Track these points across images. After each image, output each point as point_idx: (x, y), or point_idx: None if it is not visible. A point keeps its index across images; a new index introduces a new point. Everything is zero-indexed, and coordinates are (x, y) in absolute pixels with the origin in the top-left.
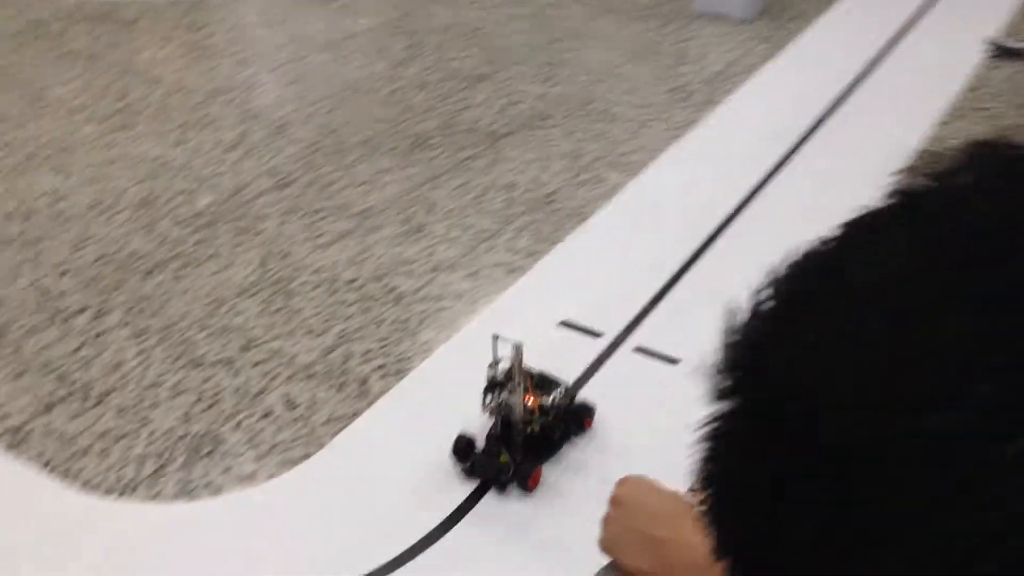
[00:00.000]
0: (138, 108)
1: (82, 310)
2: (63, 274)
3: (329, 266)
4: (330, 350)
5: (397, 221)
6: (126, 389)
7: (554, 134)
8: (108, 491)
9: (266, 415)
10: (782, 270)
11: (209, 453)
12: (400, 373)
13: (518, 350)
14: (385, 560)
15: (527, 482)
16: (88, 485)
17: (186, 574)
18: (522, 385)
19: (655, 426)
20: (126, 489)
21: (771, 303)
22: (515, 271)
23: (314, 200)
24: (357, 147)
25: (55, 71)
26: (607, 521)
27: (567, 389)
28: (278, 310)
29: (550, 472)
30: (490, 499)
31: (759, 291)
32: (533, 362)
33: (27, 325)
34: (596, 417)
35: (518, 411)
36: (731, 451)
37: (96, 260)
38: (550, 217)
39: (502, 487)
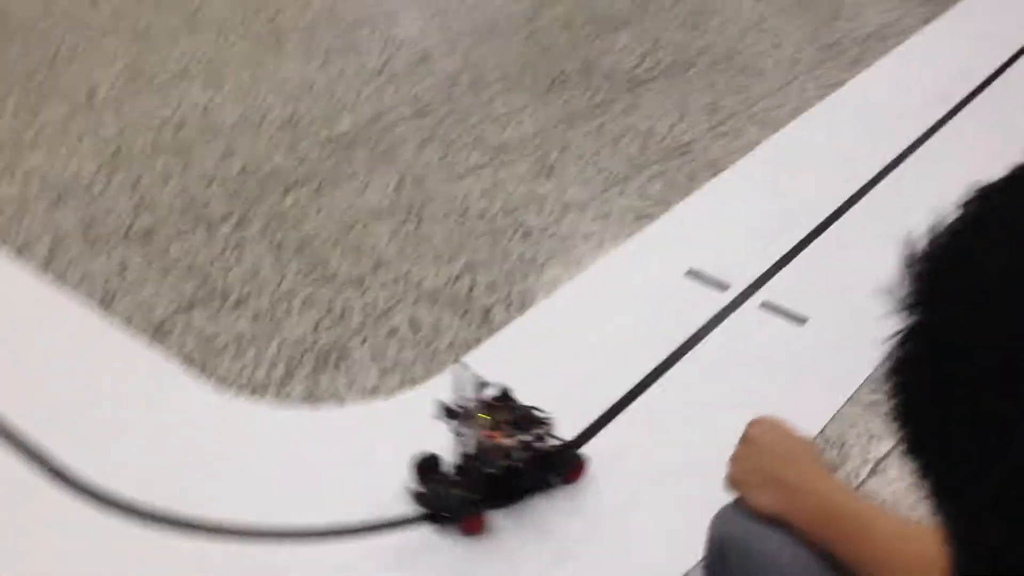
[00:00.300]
0: (287, 31)
1: (225, 219)
2: (209, 183)
3: (461, 197)
4: (456, 278)
5: (530, 158)
6: (261, 296)
7: (695, 84)
8: (240, 390)
9: (391, 334)
10: (962, 200)
11: (335, 365)
12: (523, 307)
13: (477, 382)
14: None
15: (460, 524)
16: (222, 383)
17: (306, 475)
18: (477, 418)
19: (778, 382)
20: (256, 390)
21: (958, 225)
22: (645, 217)
23: (451, 131)
24: (496, 82)
25: None
26: (736, 458)
27: (547, 433)
28: (408, 235)
29: (505, 522)
30: (424, 533)
31: (942, 218)
32: (652, 311)
33: (174, 228)
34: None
35: (473, 446)
36: (922, 357)
37: (240, 173)
38: (684, 167)
39: (441, 523)
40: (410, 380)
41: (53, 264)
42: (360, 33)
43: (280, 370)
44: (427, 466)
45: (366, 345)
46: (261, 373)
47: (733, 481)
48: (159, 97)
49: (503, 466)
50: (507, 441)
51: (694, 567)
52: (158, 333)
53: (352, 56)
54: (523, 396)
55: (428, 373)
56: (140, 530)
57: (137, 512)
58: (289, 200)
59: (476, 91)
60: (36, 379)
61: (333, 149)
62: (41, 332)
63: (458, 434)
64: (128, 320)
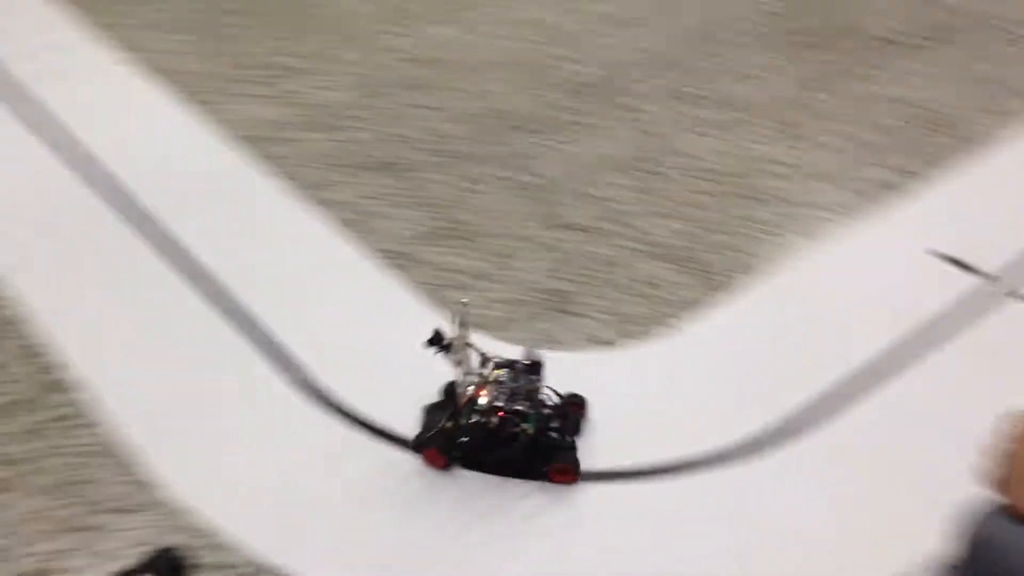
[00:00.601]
0: None
1: (468, 157)
2: (455, 121)
3: (701, 155)
4: (689, 236)
5: (775, 120)
6: (498, 235)
7: (958, 54)
8: (471, 324)
9: (617, 286)
10: None
11: (561, 310)
12: (752, 270)
13: (465, 321)
14: (712, 450)
15: (421, 453)
16: (452, 313)
17: None
18: (465, 366)
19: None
20: (483, 327)
21: None
22: (893, 189)
23: (695, 87)
24: (745, 39)
25: None
26: (1006, 458)
27: (542, 416)
28: (645, 189)
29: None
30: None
31: None
32: (889, 290)
33: (421, 162)
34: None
35: (460, 390)
36: None
37: (485, 113)
38: (939, 139)
39: (414, 449)
40: (632, 333)
41: (311, 184)
42: None
43: (508, 310)
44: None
45: (592, 294)
46: (494, 311)
47: (1011, 483)
48: (415, 36)
49: (472, 421)
50: (481, 396)
51: (933, 564)
52: (398, 260)
53: (600, 3)
54: (734, 362)
55: (650, 326)
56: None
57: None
58: (530, 143)
59: (725, 46)
60: (292, 292)
61: (577, 97)
62: (296, 249)
63: (457, 363)
64: (372, 245)
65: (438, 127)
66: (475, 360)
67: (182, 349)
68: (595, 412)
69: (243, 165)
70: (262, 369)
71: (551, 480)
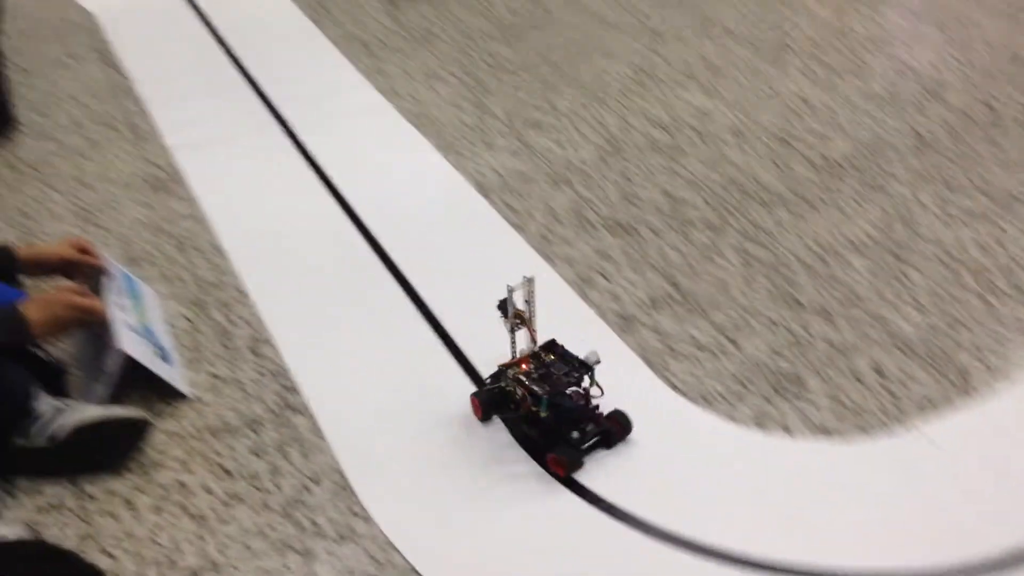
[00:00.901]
0: (793, 44)
1: (703, 224)
2: (693, 187)
3: (953, 244)
4: (935, 331)
5: None
6: (725, 307)
7: None
8: (689, 396)
9: (853, 375)
10: None
11: (789, 394)
12: (1002, 374)
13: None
14: (938, 566)
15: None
16: (674, 385)
17: (744, 498)
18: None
19: None
20: (705, 400)
21: None
22: None
23: (953, 171)
24: (1013, 125)
25: None
26: None
27: (549, 407)
28: (888, 275)
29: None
30: None
31: None
32: None
33: (654, 225)
34: None
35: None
36: None
37: (724, 181)
38: None
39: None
40: (866, 427)
41: (544, 239)
42: (869, 55)
43: (733, 387)
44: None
45: (824, 381)
46: (714, 384)
47: None
48: (660, 96)
49: (503, 385)
50: (520, 367)
51: None
52: (624, 323)
53: (856, 78)
54: (977, 471)
55: (887, 425)
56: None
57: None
58: (767, 216)
59: (988, 131)
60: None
61: (822, 171)
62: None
63: (511, 332)
64: (599, 306)
65: (676, 192)
66: (527, 338)
67: (415, 393)
68: (807, 502)
69: (485, 213)
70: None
71: (548, 468)
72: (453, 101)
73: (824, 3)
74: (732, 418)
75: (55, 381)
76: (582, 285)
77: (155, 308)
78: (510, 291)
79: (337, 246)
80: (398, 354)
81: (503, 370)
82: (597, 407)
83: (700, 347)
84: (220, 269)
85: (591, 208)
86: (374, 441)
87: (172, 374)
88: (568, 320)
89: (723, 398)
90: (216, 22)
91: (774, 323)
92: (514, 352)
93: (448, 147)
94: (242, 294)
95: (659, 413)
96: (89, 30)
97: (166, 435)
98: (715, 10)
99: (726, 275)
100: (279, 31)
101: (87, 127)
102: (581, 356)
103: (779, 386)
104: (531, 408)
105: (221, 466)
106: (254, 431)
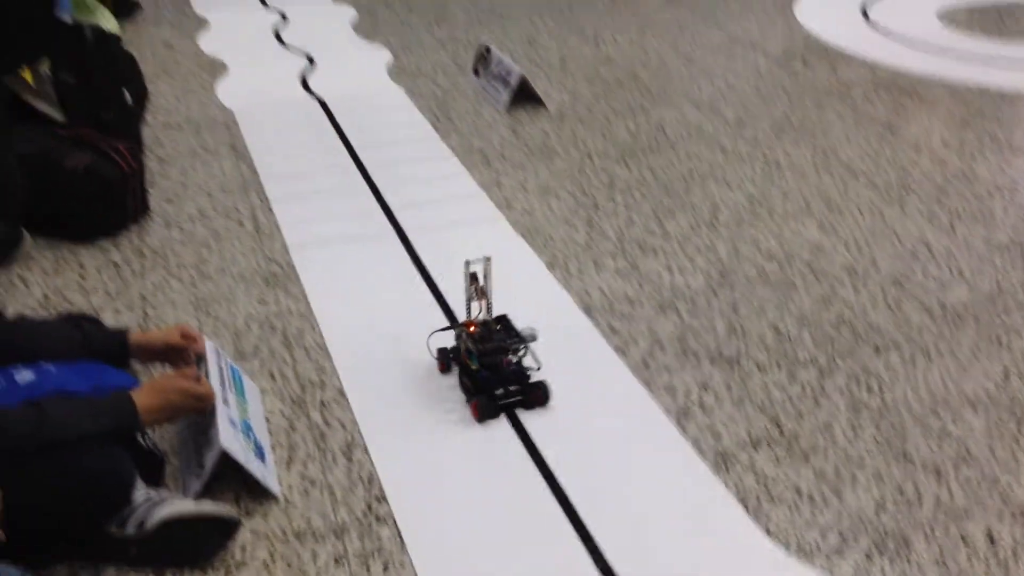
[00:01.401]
0: (916, 186)
1: (810, 363)
2: (802, 324)
3: None
4: None
5: None
6: (830, 454)
7: None
8: (786, 544)
9: (963, 540)
10: None
11: (894, 553)
12: None
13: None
14: None
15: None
16: (770, 531)
17: None
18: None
19: None
20: (801, 551)
21: None
22: None
23: None
24: None
25: (848, 132)
26: None
27: (479, 360)
28: (1006, 436)
29: None
30: None
31: None
32: None
33: (759, 360)
34: None
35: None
36: None
37: (836, 320)
38: None
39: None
40: None
41: (645, 364)
42: (994, 201)
43: (833, 540)
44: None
45: (932, 543)
46: (813, 536)
47: None
48: (775, 228)
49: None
50: (469, 328)
51: None
52: (721, 461)
53: (980, 224)
54: None
55: None
56: None
57: None
58: (880, 361)
59: None
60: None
61: (939, 319)
62: (626, 430)
63: (468, 301)
64: (696, 440)
65: (784, 328)
66: (483, 308)
67: (503, 516)
68: None
69: (587, 333)
70: (566, 548)
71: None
72: (566, 217)
73: (949, 146)
74: (830, 573)
75: (152, 470)
76: (680, 416)
77: (257, 403)
78: (467, 264)
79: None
80: (489, 476)
81: (458, 328)
82: (528, 374)
83: (800, 493)
84: (323, 369)
85: (696, 337)
86: (457, 560)
87: (265, 473)
88: (662, 452)
89: (821, 551)
90: (344, 123)
91: (880, 476)
92: (469, 315)
93: (556, 263)
94: (342, 395)
95: (750, 560)
96: (226, 125)
97: (253, 534)
98: (836, 145)
99: (832, 419)
100: (403, 136)
101: (213, 218)
102: (522, 329)
103: (882, 544)
104: (466, 360)
105: (303, 572)
106: (339, 538)
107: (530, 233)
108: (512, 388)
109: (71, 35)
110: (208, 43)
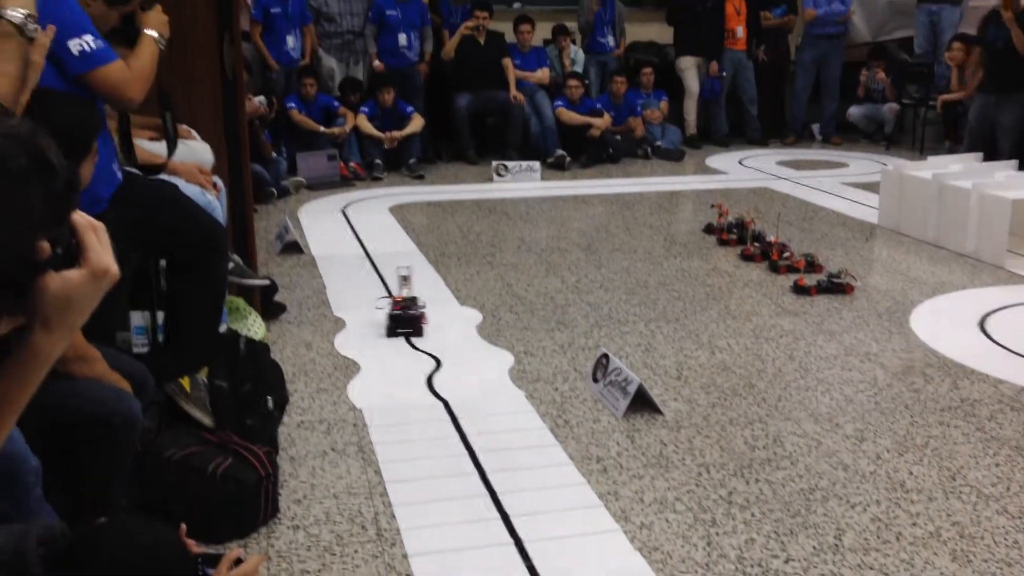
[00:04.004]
0: None
1: None
2: None
3: None
4: None
5: None
6: None
7: None
8: None
9: None
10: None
11: None
12: None
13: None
14: None
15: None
16: None
17: None
18: None
19: None
20: None
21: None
22: None
23: None
24: None
25: (975, 453)
26: None
27: None
28: None
29: None
30: None
31: None
32: None
33: None
34: None
35: None
36: None
37: None
38: None
39: None
40: None
41: None
42: None
43: None
44: None
45: None
46: None
47: None
48: (905, 557)
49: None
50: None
51: None
52: None
53: None
54: None
55: None
56: None
57: None
58: None
59: None
60: None
61: None
62: None
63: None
64: None
65: None
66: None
67: None
68: None
69: None
70: None
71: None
72: (683, 533)
73: None
74: None
75: None
76: None
77: None
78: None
79: None
80: None
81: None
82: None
83: None
84: None
85: None
86: None
87: None
88: None
89: None
90: (467, 427)
91: None
92: (400, 294)
93: None
94: None
95: None
96: (355, 426)
97: None
98: (964, 467)
99: None
100: (523, 441)
101: (337, 522)
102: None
103: None
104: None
105: None
106: None
107: (648, 549)
108: (418, 329)
109: (228, 344)
110: (343, 343)
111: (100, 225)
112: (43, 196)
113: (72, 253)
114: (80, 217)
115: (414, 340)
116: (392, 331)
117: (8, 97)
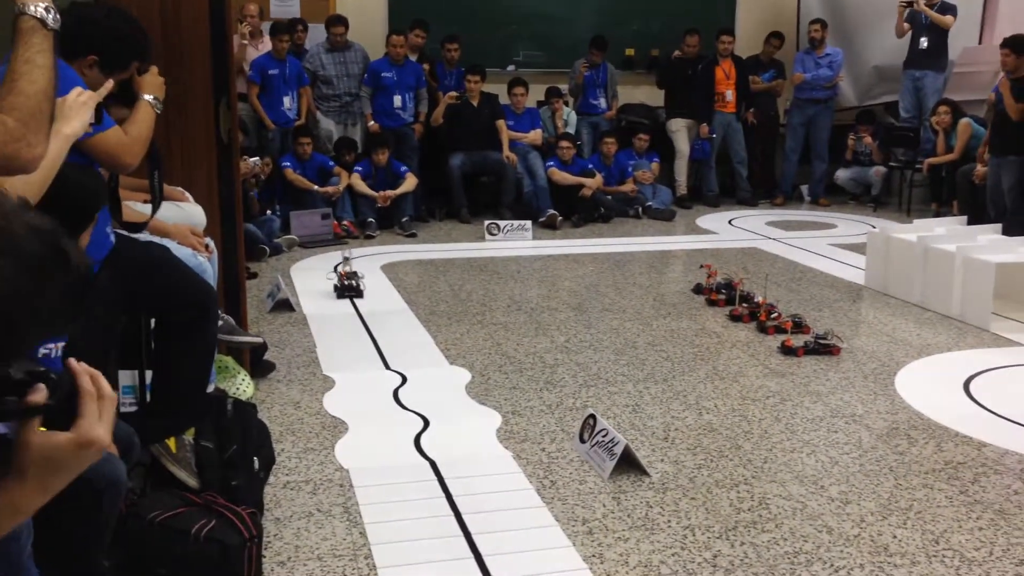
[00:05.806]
0: None
1: None
2: None
3: None
4: None
5: None
6: None
7: None
8: None
9: None
10: None
11: None
12: None
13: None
14: None
15: None
16: None
17: None
18: None
19: None
20: None
21: None
22: None
23: None
24: None
25: (959, 516)
26: None
27: None
28: None
29: None
30: None
31: None
32: None
33: None
34: None
35: None
36: None
37: None
38: None
39: None
40: None
41: None
42: None
43: None
44: None
45: None
46: None
47: None
48: None
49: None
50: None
51: None
52: None
53: None
54: None
55: None
56: None
57: None
58: None
59: None
60: None
61: None
62: None
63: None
64: None
65: None
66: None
67: None
68: None
69: None
70: None
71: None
72: None
73: None
74: None
75: None
76: None
77: None
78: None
79: None
80: None
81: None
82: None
83: None
84: None
85: None
86: None
87: None
88: None
89: None
90: (453, 487)
91: None
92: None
93: None
94: None
95: None
96: (341, 486)
97: None
98: (948, 532)
99: None
100: (508, 504)
101: None
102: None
103: None
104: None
105: None
106: None
107: None
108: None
109: (216, 405)
110: (332, 403)
111: (111, 396)
112: (60, 292)
113: (64, 411)
114: (88, 384)
115: (402, 398)
116: (341, 294)
117: (47, 91)
